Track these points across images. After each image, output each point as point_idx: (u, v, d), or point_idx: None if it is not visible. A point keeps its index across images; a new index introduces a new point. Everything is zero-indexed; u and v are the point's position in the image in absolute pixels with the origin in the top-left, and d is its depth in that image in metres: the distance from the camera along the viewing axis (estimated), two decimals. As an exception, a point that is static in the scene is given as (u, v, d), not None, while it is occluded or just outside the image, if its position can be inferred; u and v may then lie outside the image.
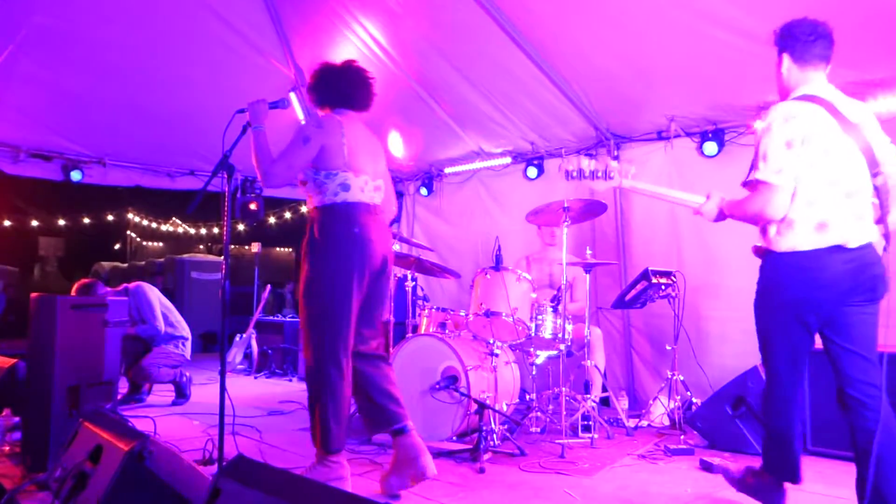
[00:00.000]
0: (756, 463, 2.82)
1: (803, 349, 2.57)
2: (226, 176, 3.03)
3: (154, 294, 5.45)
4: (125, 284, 5.52)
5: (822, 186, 2.41)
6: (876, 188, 2.45)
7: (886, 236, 2.49)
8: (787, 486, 2.69)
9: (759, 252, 2.60)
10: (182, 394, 5.41)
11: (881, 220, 2.47)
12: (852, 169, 2.43)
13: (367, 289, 3.10)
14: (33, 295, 3.51)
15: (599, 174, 3.05)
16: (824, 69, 2.57)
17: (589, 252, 4.63)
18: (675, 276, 4.54)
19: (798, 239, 2.43)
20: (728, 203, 2.71)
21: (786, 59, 2.59)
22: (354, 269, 2.99)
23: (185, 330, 5.62)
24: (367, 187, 3.11)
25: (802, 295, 2.46)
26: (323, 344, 2.99)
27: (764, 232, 2.55)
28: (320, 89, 3.28)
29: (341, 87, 3.23)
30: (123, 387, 5.19)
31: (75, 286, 5.00)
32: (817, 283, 2.43)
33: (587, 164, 3.06)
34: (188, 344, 5.63)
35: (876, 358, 2.47)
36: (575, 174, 3.08)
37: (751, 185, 2.52)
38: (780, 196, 2.41)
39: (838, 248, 2.39)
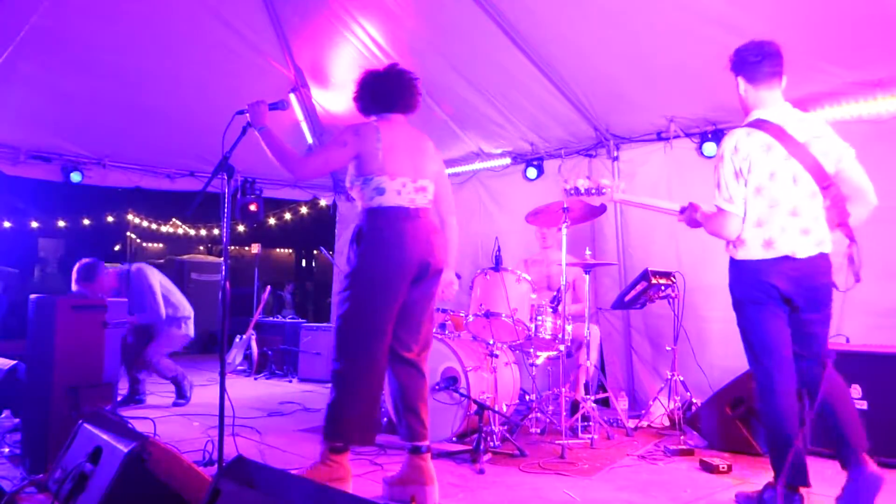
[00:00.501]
0: (757, 464, 2.85)
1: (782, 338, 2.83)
2: (225, 177, 3.03)
3: (155, 277, 5.38)
4: (126, 266, 5.44)
5: (767, 209, 2.75)
6: (831, 199, 2.76)
7: (850, 236, 2.80)
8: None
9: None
10: (182, 394, 5.40)
11: (842, 224, 2.78)
12: (797, 188, 2.74)
13: (407, 294, 3.04)
14: (32, 296, 3.51)
15: (593, 191, 3.47)
16: (778, 85, 2.84)
17: (588, 253, 4.63)
18: (674, 277, 4.54)
19: (750, 252, 2.80)
20: (701, 214, 3.03)
21: (741, 82, 2.87)
22: (387, 273, 2.96)
23: (186, 309, 5.59)
24: (406, 190, 3.05)
25: (750, 293, 2.83)
26: (347, 342, 2.99)
27: (726, 244, 2.91)
28: (363, 98, 3.26)
29: (382, 93, 3.20)
30: (123, 387, 5.20)
31: (76, 266, 4.98)
32: (764, 284, 2.78)
33: (582, 183, 3.48)
34: (190, 322, 5.61)
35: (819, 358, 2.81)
36: (572, 192, 3.48)
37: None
38: (733, 221, 2.78)
39: (786, 258, 2.73)
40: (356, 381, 2.97)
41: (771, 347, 2.80)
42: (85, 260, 5.04)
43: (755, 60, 2.80)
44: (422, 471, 3.01)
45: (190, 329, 5.61)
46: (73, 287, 5.06)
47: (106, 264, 5.22)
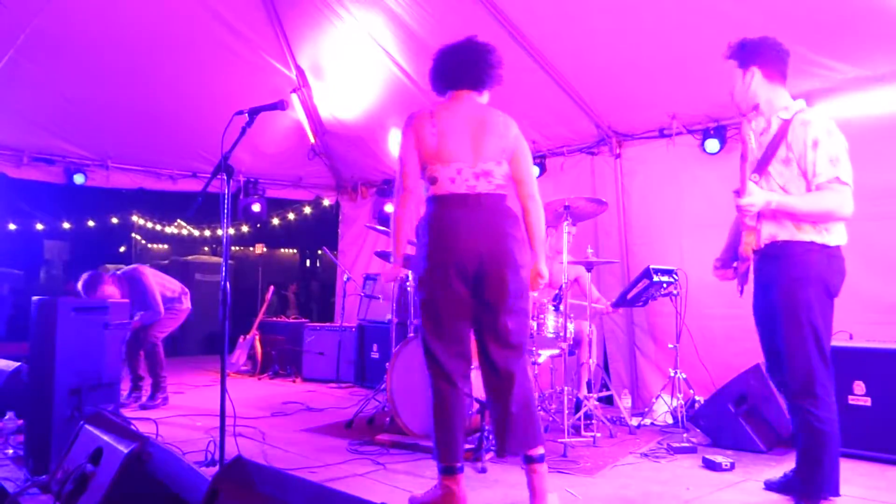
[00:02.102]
0: (760, 461, 2.83)
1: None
2: (225, 177, 3.03)
3: (150, 277, 5.41)
4: (123, 271, 5.44)
5: None
6: None
7: None
8: None
9: (790, 245, 2.66)
10: (154, 397, 5.34)
11: None
12: None
13: (476, 291, 2.76)
14: (34, 298, 3.52)
15: None
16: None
17: (590, 250, 4.62)
18: (677, 274, 4.52)
19: (843, 238, 2.66)
20: (785, 197, 2.64)
21: (757, 73, 2.75)
22: (444, 268, 2.74)
23: (177, 289, 5.65)
24: (462, 176, 2.78)
25: (837, 285, 2.66)
26: (424, 345, 2.86)
27: (811, 225, 2.63)
28: (431, 76, 3.02)
29: (445, 70, 2.96)
30: (124, 388, 5.21)
31: (80, 283, 5.02)
32: (842, 276, 2.68)
33: None
34: (186, 297, 5.67)
35: None
36: None
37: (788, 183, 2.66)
38: (851, 197, 2.59)
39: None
40: (430, 389, 2.85)
41: (830, 352, 2.63)
42: (85, 275, 5.09)
43: (782, 56, 2.75)
44: (532, 484, 2.78)
45: (187, 302, 5.68)
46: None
47: (108, 266, 5.25)
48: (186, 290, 5.72)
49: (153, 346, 5.39)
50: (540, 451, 2.76)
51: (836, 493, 2.61)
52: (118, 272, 5.40)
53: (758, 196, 2.63)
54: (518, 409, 2.74)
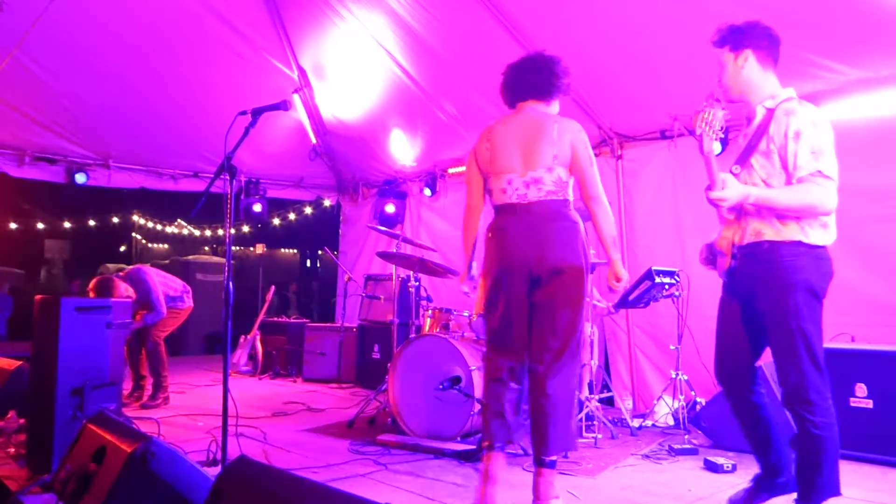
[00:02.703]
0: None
1: None
2: (228, 177, 3.03)
3: (154, 277, 5.40)
4: (126, 271, 5.44)
5: None
6: None
7: None
8: None
9: (777, 247, 2.50)
10: (155, 397, 5.34)
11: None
12: None
13: (531, 296, 2.86)
14: (37, 297, 3.52)
15: (712, 135, 2.58)
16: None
17: (592, 252, 4.62)
18: (678, 276, 4.52)
19: (830, 237, 2.52)
20: (765, 191, 2.48)
21: (751, 56, 2.60)
22: (496, 275, 2.91)
23: (179, 288, 5.64)
24: (512, 186, 2.91)
25: (825, 287, 2.54)
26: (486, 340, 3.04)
27: (795, 222, 2.48)
28: (500, 93, 3.14)
29: (508, 83, 3.08)
30: (126, 388, 5.21)
31: (92, 286, 5.03)
32: (830, 277, 2.55)
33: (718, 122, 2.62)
34: (187, 295, 5.67)
35: None
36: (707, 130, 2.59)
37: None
38: (835, 192, 2.42)
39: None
40: (486, 383, 2.99)
41: (822, 356, 2.50)
42: (96, 279, 5.09)
43: (775, 41, 2.62)
44: (536, 486, 2.81)
45: (189, 300, 5.69)
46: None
47: (108, 266, 5.26)
48: (188, 287, 5.72)
49: (155, 346, 5.39)
50: (552, 457, 2.79)
51: (838, 493, 2.55)
52: (121, 273, 5.41)
53: (733, 189, 2.44)
54: (541, 411, 2.80)
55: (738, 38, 2.62)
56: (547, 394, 2.81)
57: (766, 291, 2.52)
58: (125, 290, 5.08)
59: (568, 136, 2.93)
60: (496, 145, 2.96)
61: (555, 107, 3.09)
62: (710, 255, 2.83)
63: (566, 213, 2.93)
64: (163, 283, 5.48)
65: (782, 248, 2.48)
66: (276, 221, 10.09)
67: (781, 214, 2.48)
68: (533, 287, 2.86)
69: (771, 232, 2.50)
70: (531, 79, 3.01)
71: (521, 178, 2.91)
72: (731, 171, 2.54)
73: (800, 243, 2.47)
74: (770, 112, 2.52)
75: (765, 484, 2.69)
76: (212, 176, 3.14)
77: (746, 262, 2.59)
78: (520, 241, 2.87)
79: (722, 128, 2.46)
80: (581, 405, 4.47)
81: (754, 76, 2.61)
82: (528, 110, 3.01)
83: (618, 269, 2.96)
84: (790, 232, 2.47)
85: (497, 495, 2.79)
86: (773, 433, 2.67)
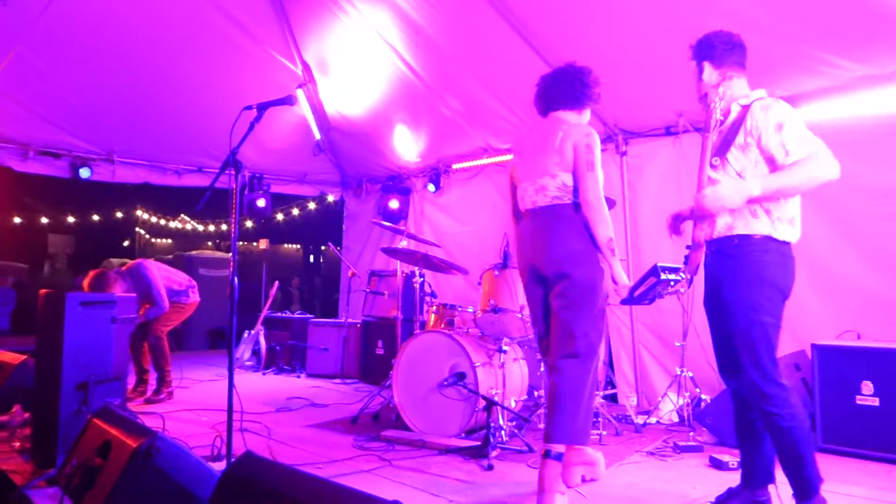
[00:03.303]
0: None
1: None
2: (234, 172, 3.02)
3: (155, 271, 5.35)
4: (127, 266, 5.40)
5: None
6: None
7: None
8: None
9: (746, 241, 2.54)
10: (159, 392, 5.34)
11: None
12: None
13: (546, 296, 3.07)
14: (42, 292, 3.52)
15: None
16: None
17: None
18: (684, 272, 4.50)
19: (796, 234, 2.58)
20: (769, 177, 2.47)
21: (707, 66, 2.71)
22: (522, 276, 3.23)
23: (184, 282, 5.60)
24: (528, 192, 3.15)
25: (790, 286, 2.57)
26: None
27: (766, 215, 2.53)
28: (534, 105, 3.34)
29: (537, 95, 3.29)
30: (129, 382, 5.21)
31: (88, 278, 5.01)
32: (793, 277, 2.59)
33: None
34: (192, 291, 5.62)
35: None
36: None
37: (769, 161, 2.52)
38: (832, 157, 2.44)
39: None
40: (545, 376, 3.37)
41: (776, 350, 2.54)
42: (92, 274, 5.08)
43: (733, 46, 2.71)
44: (540, 478, 2.85)
45: (194, 295, 5.65)
46: None
47: (112, 261, 5.24)
48: (194, 283, 5.70)
49: (157, 340, 5.39)
50: (560, 448, 2.84)
51: (822, 479, 2.51)
52: (122, 268, 5.40)
53: (729, 187, 2.48)
54: (551, 402, 2.90)
55: (696, 51, 2.77)
56: (553, 387, 2.92)
57: (733, 285, 2.56)
58: (120, 287, 5.06)
59: (570, 140, 3.04)
60: (519, 156, 3.21)
61: (586, 115, 3.25)
62: (675, 224, 3.03)
63: (570, 214, 3.01)
64: (166, 276, 5.47)
65: (752, 245, 2.53)
66: (280, 217, 10.10)
67: (753, 209, 2.52)
68: (546, 288, 3.07)
69: (741, 225, 2.55)
70: (562, 89, 3.17)
71: (532, 186, 3.11)
72: (710, 164, 2.60)
73: (770, 239, 2.52)
74: (745, 108, 2.59)
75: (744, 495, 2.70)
76: (215, 171, 3.14)
77: (717, 258, 2.66)
78: (526, 245, 3.09)
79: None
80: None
81: (713, 82, 2.69)
82: (548, 121, 3.19)
83: (615, 273, 3.05)
84: (760, 226, 2.52)
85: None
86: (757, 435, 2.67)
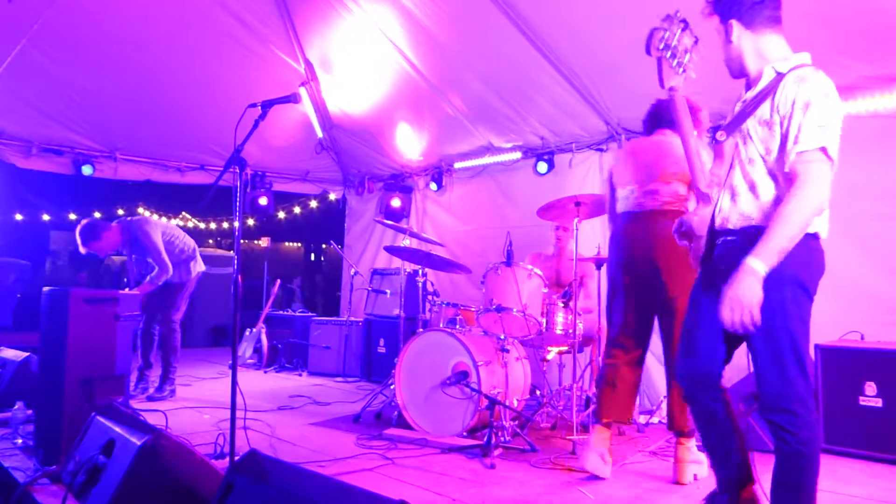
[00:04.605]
0: (768, 461, 2.75)
1: None
2: (237, 170, 3.02)
3: (156, 231, 5.15)
4: (130, 220, 5.21)
5: None
6: None
7: None
8: None
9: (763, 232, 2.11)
10: (161, 389, 5.31)
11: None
12: None
13: (652, 293, 3.32)
14: (45, 289, 3.52)
15: (677, 65, 2.36)
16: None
17: (599, 247, 4.60)
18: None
19: (825, 225, 2.19)
20: (768, 244, 2.03)
21: (736, 26, 2.26)
22: (611, 272, 3.48)
23: (189, 247, 5.46)
24: (632, 196, 3.38)
25: (816, 284, 2.19)
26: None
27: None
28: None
29: (646, 118, 3.61)
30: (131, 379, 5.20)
31: (79, 229, 4.90)
32: (821, 272, 2.21)
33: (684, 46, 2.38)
34: (193, 264, 5.46)
35: None
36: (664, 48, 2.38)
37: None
38: (829, 178, 2.05)
39: None
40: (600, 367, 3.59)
41: (809, 362, 2.16)
42: (84, 221, 4.98)
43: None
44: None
45: (198, 265, 5.51)
46: (81, 250, 4.99)
47: (114, 258, 5.20)
48: (197, 251, 5.53)
49: (171, 331, 5.31)
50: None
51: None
52: (123, 220, 5.19)
53: (744, 289, 2.02)
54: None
55: (721, 7, 2.29)
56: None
57: None
58: (113, 236, 4.92)
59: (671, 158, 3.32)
60: (623, 161, 3.51)
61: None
62: (685, 235, 2.46)
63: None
64: (172, 234, 5.30)
65: None
66: (282, 215, 10.09)
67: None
68: (647, 284, 3.38)
69: (760, 215, 2.14)
70: (658, 116, 3.50)
71: (640, 189, 3.36)
72: (714, 139, 2.24)
73: None
74: (780, 76, 2.13)
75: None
76: (218, 169, 3.14)
77: (729, 251, 2.21)
78: (635, 242, 3.35)
79: (689, 62, 2.20)
80: (588, 401, 4.46)
81: (746, 47, 2.25)
82: (659, 135, 3.47)
83: None
84: None
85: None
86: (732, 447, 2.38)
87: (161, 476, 2.17)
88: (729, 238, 2.23)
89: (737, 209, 2.20)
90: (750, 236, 2.11)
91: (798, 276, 2.10)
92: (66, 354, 3.22)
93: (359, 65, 6.57)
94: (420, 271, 5.04)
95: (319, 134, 7.58)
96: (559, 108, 5.59)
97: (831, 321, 4.20)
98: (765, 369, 2.14)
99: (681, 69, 2.23)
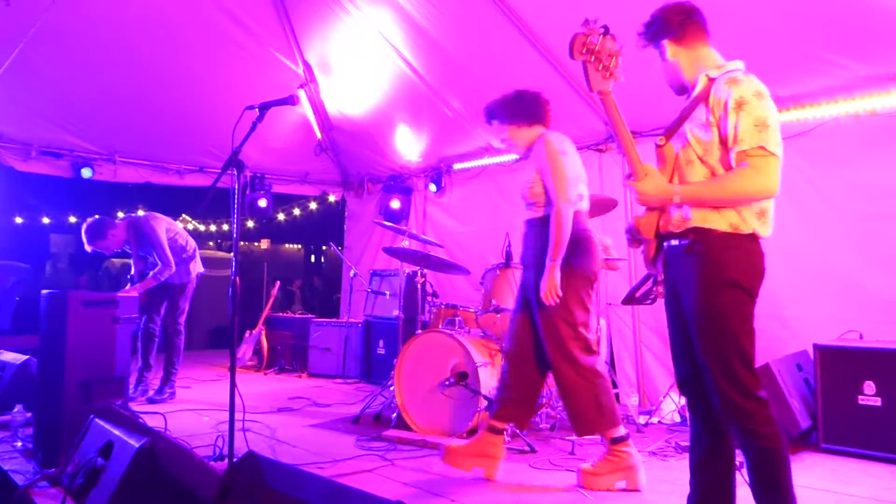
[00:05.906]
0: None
1: None
2: (235, 172, 3.02)
3: (161, 226, 5.19)
4: (135, 216, 5.25)
5: None
6: None
7: None
8: None
9: (706, 236, 2.17)
10: (161, 391, 5.32)
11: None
12: None
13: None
14: (44, 292, 3.52)
15: (602, 68, 2.51)
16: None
17: (609, 241, 4.61)
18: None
19: (768, 228, 2.20)
20: (694, 185, 2.20)
21: (668, 45, 2.44)
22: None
23: (191, 247, 5.50)
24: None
25: (757, 286, 2.21)
26: None
27: (733, 210, 2.15)
28: None
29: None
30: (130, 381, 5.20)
31: (85, 227, 4.92)
32: (762, 275, 2.22)
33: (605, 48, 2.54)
34: (193, 264, 5.49)
35: None
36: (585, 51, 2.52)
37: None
38: (779, 171, 2.10)
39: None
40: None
41: (754, 359, 2.19)
42: (90, 219, 4.99)
43: (690, 13, 2.42)
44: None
45: (199, 266, 5.56)
46: (87, 248, 5.04)
47: (114, 260, 5.21)
48: (198, 252, 5.56)
49: (176, 333, 5.32)
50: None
51: None
52: (129, 216, 5.23)
53: (651, 184, 2.21)
54: (562, 400, 3.31)
55: (650, 32, 2.51)
56: (557, 384, 3.34)
57: (691, 289, 2.21)
58: (119, 233, 4.94)
59: (541, 150, 3.50)
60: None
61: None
62: (634, 238, 2.44)
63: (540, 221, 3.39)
64: (175, 232, 5.33)
65: (713, 241, 2.16)
66: (281, 217, 10.10)
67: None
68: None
69: (699, 218, 2.18)
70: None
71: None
72: (655, 143, 2.31)
73: (733, 235, 2.15)
74: (712, 81, 2.23)
75: None
76: (217, 171, 3.14)
77: (673, 256, 2.30)
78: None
79: (615, 67, 2.32)
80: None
81: (683, 61, 2.41)
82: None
83: (549, 269, 3.20)
84: (723, 219, 2.15)
85: None
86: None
87: (159, 478, 2.17)
88: (672, 243, 2.30)
89: (679, 211, 2.24)
90: (687, 238, 2.21)
91: (736, 279, 2.15)
92: (66, 357, 3.22)
93: (357, 67, 6.57)
94: (419, 272, 5.04)
95: (318, 136, 7.59)
96: (557, 109, 5.54)
97: (830, 320, 4.21)
98: (713, 374, 2.17)
99: (607, 73, 2.33)
